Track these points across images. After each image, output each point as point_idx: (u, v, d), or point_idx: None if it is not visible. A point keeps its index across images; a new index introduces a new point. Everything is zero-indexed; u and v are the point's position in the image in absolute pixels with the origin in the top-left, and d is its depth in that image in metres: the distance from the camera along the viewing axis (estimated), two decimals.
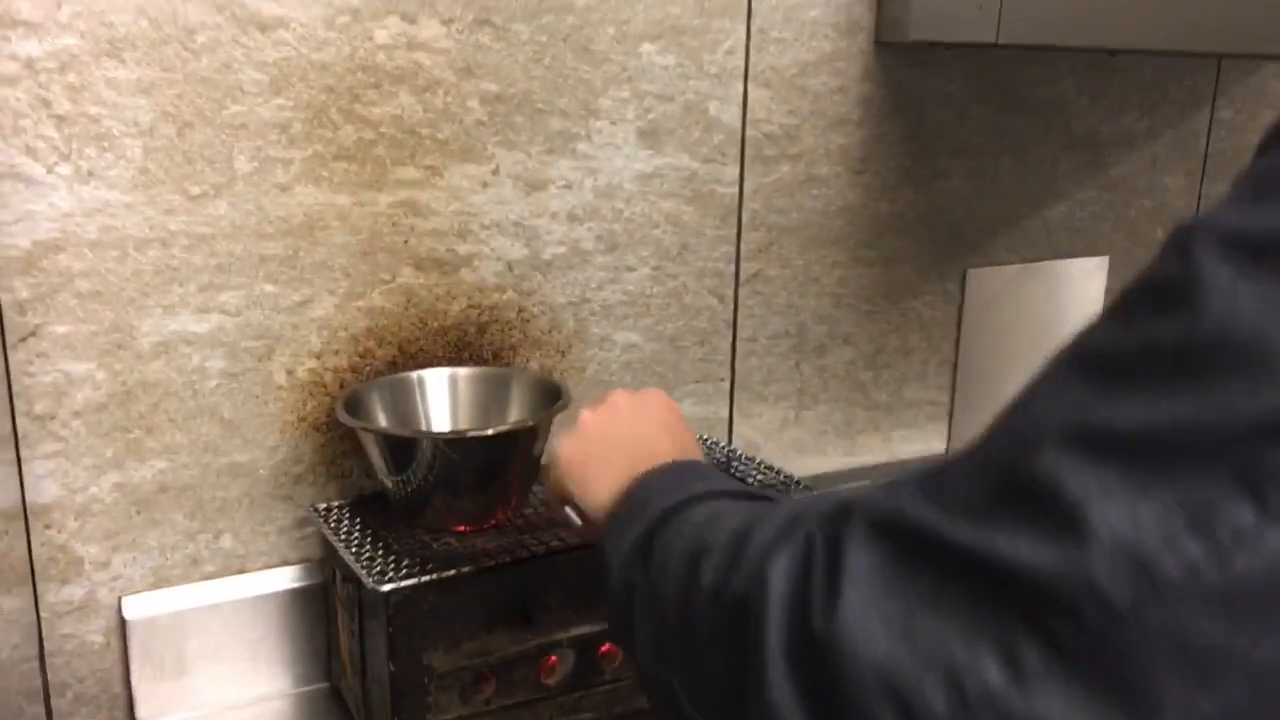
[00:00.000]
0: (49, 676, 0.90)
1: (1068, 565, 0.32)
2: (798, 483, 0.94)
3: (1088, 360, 0.35)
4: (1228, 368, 0.31)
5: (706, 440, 1.06)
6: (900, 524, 0.37)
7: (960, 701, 0.33)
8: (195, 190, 0.85)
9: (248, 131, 0.85)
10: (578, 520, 0.70)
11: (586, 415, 0.72)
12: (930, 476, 0.39)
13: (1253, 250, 0.32)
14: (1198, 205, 1.33)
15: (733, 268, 1.07)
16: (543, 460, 0.76)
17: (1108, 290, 1.30)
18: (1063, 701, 0.32)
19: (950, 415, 1.25)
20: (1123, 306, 0.36)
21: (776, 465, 1.15)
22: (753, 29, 1.01)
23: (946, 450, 1.25)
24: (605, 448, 0.68)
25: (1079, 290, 1.28)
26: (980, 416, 1.26)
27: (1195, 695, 0.30)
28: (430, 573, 0.78)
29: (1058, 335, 1.30)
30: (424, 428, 0.91)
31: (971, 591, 0.34)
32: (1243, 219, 0.33)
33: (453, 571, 0.79)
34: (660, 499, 0.57)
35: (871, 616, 0.36)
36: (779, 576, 0.40)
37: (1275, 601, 0.30)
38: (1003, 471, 0.35)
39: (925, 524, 0.36)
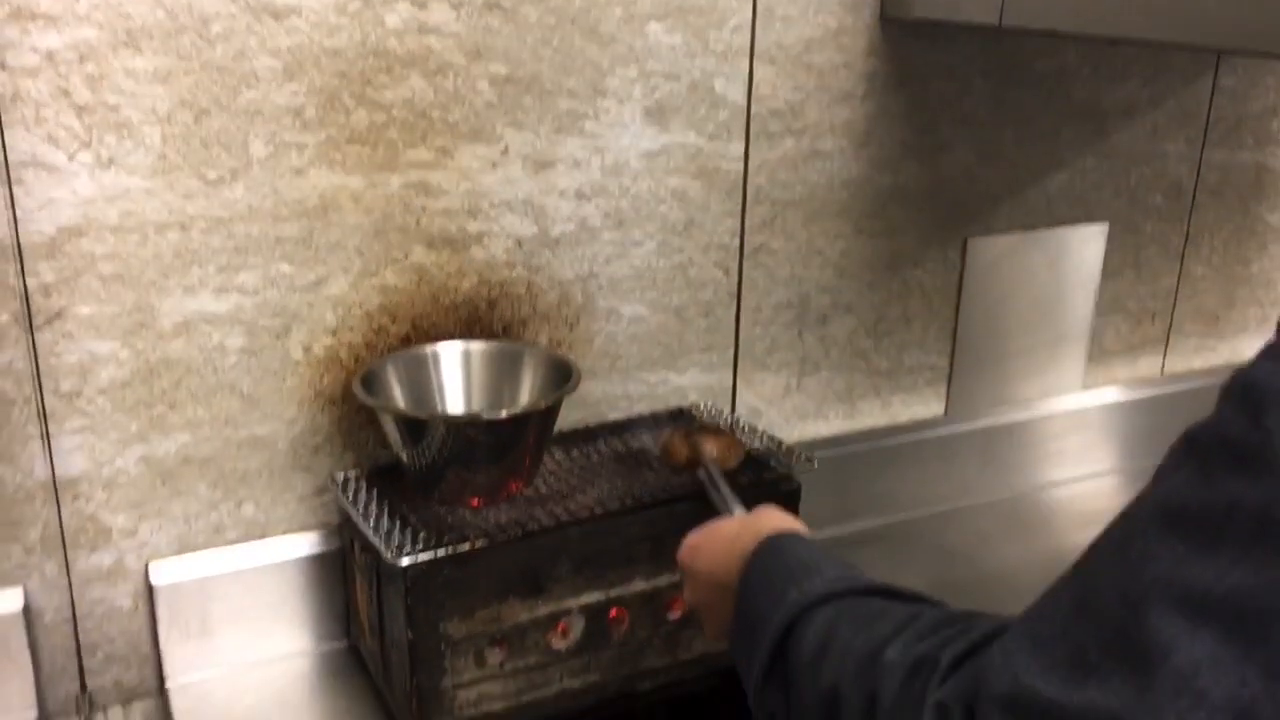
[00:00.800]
0: (80, 638, 0.94)
1: None
2: (799, 454, 0.97)
3: (1177, 515, 0.38)
4: None
5: (711, 407, 1.09)
6: (1023, 698, 0.39)
7: None
8: (212, 175, 0.87)
9: (263, 117, 0.87)
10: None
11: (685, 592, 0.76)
12: (1040, 628, 0.41)
13: None
14: (1198, 171, 1.34)
15: (737, 241, 1.09)
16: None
17: (1107, 255, 1.31)
18: None
19: (949, 380, 1.28)
20: (1200, 458, 0.38)
21: (778, 431, 1.18)
22: (759, 6, 1.02)
23: (945, 414, 1.28)
24: (699, 598, 0.73)
25: (1078, 257, 1.30)
26: (979, 381, 1.29)
27: None
28: (446, 546, 0.82)
29: (1056, 301, 1.31)
30: (438, 402, 0.95)
31: None
32: None
33: (468, 546, 0.82)
34: (764, 621, 0.59)
35: None
36: None
37: None
38: (1113, 631, 0.38)
39: (1047, 697, 0.39)
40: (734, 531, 0.71)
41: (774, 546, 0.65)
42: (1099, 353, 1.37)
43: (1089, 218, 1.29)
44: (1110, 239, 1.31)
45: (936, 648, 0.46)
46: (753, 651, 0.59)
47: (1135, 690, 0.36)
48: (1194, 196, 1.35)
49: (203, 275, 0.89)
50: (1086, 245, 1.30)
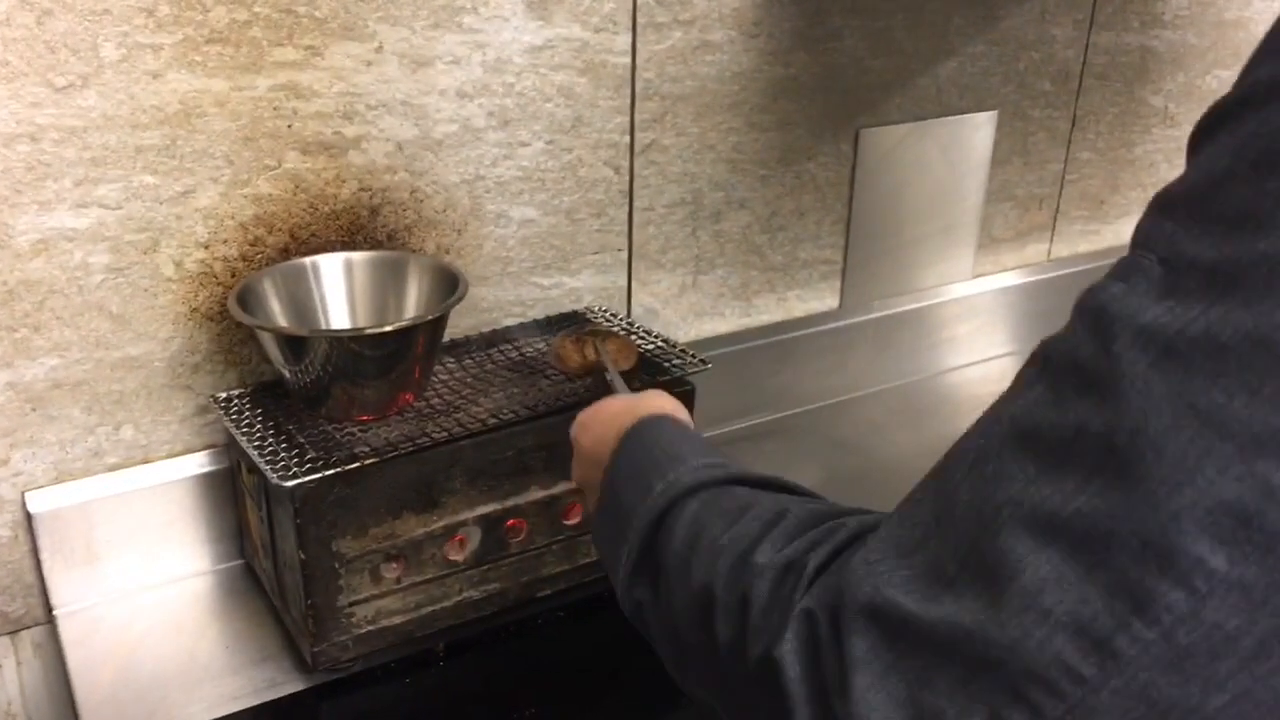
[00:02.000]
0: None
1: (1038, 646, 0.36)
2: (693, 356, 0.97)
3: (1028, 435, 0.39)
4: (1146, 463, 0.35)
5: (605, 311, 1.07)
6: (885, 609, 0.41)
7: None
8: (61, 81, 0.81)
9: (112, 17, 0.81)
10: None
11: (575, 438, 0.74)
12: (903, 536, 0.42)
13: (1163, 348, 0.35)
14: (1085, 54, 1.35)
15: (627, 139, 1.07)
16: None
17: (996, 143, 1.32)
18: None
19: (843, 273, 1.28)
20: (1052, 378, 0.39)
21: (675, 330, 1.18)
22: None
23: (839, 306, 1.29)
24: (581, 467, 0.72)
25: (968, 146, 1.30)
26: (872, 273, 1.30)
27: None
28: (334, 466, 0.80)
29: (948, 190, 1.32)
30: (321, 316, 0.91)
31: (959, 669, 0.38)
32: (1154, 316, 0.36)
33: (357, 464, 0.80)
34: (630, 512, 0.59)
35: (880, 697, 0.40)
36: (790, 660, 0.44)
37: (1215, 662, 0.34)
38: (968, 547, 0.39)
39: (907, 609, 0.40)
40: (618, 410, 0.70)
41: (641, 433, 0.64)
42: (988, 241, 1.39)
43: (979, 106, 1.29)
44: (999, 126, 1.31)
45: (803, 551, 0.47)
46: (619, 543, 0.59)
47: (986, 605, 0.37)
48: (1081, 81, 1.36)
49: (59, 189, 0.84)
50: (977, 133, 1.30)
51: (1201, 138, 0.39)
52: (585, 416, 0.74)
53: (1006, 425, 0.40)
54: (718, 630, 0.50)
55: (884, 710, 0.40)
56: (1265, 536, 0.33)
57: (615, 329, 1.02)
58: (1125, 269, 0.38)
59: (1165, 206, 0.39)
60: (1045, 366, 0.40)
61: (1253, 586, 0.33)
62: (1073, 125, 1.39)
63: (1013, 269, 1.43)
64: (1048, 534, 0.37)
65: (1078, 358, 0.38)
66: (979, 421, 0.42)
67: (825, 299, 1.28)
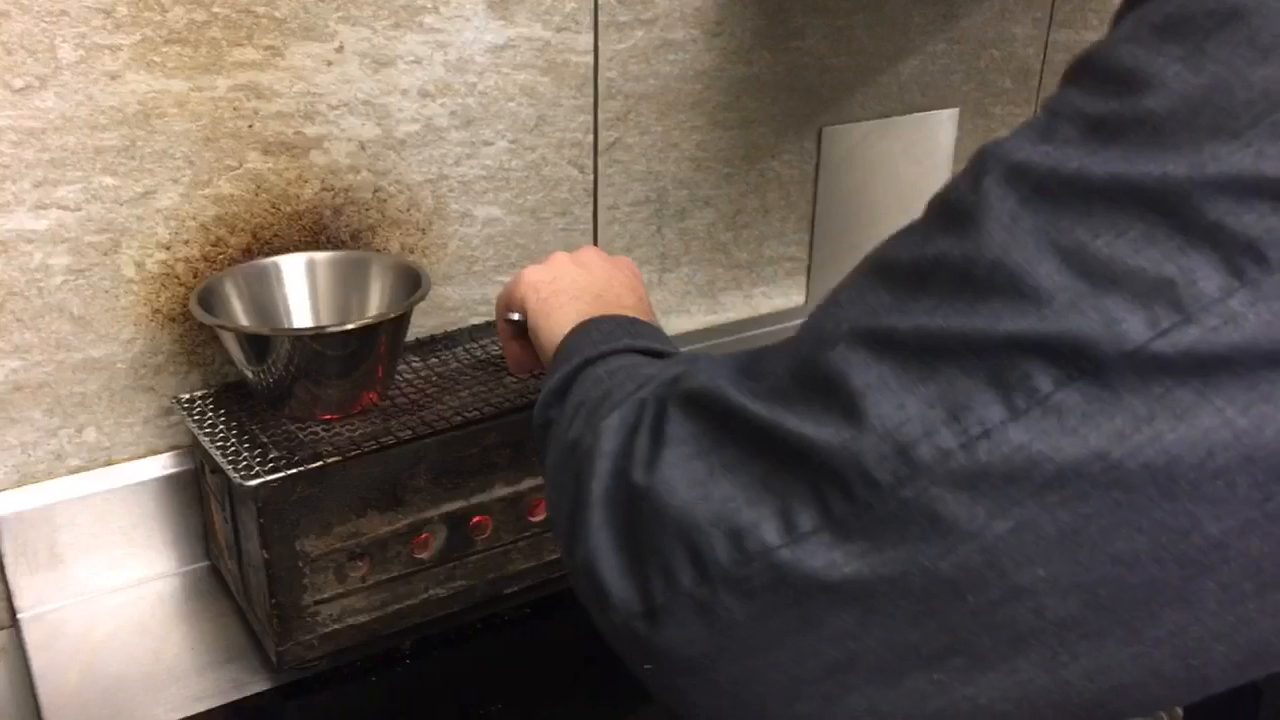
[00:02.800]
0: None
1: (842, 445, 0.37)
2: None
3: (887, 267, 0.40)
4: (998, 290, 0.35)
5: None
6: (715, 398, 0.42)
7: (740, 553, 0.39)
8: (18, 83, 0.81)
9: (69, 18, 0.81)
10: (514, 342, 0.78)
11: (561, 255, 0.76)
12: (749, 359, 0.45)
13: (1034, 185, 0.36)
14: (1044, 52, 1.36)
15: (591, 137, 1.07)
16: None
17: (958, 141, 1.33)
18: (824, 557, 0.37)
19: (809, 270, 1.29)
20: (924, 218, 0.40)
21: None
22: None
23: (806, 303, 1.30)
24: (576, 285, 0.72)
25: (931, 143, 1.32)
26: (838, 269, 1.31)
27: (936, 560, 0.36)
28: (297, 465, 0.80)
29: (911, 187, 1.34)
30: (284, 316, 0.91)
31: (764, 462, 0.39)
32: (1029, 155, 0.36)
33: (320, 463, 0.81)
34: (590, 348, 0.61)
35: (680, 475, 0.41)
36: (610, 434, 0.46)
37: (1008, 485, 0.35)
38: (803, 361, 0.40)
39: (734, 401, 0.41)
40: (640, 296, 0.74)
41: (642, 323, 0.66)
42: None
43: (941, 103, 1.30)
44: (961, 123, 1.33)
45: (668, 369, 0.50)
46: (560, 367, 0.61)
47: (806, 410, 0.38)
48: (1041, 78, 1.38)
49: (17, 191, 0.83)
50: (939, 130, 1.31)
51: (1118, 18, 0.39)
52: (614, 259, 0.77)
53: (870, 261, 0.41)
54: (571, 430, 0.52)
55: (676, 486, 0.41)
56: (1094, 366, 0.33)
57: None
58: (1019, 127, 0.39)
59: (1069, 73, 0.39)
60: (926, 209, 0.40)
61: (1069, 412, 0.33)
62: None
63: None
64: (882, 348, 0.37)
65: (949, 197, 0.39)
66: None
67: (791, 296, 1.29)
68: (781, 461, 0.39)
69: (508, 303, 0.77)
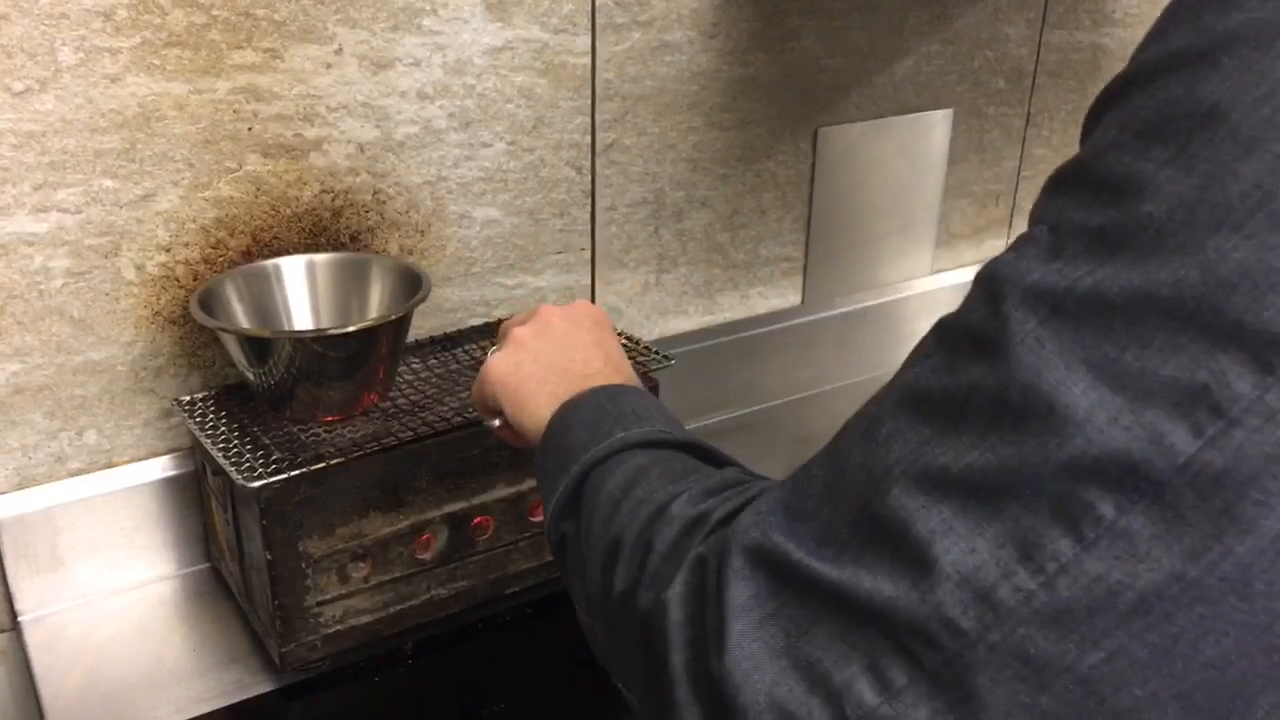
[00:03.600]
0: None
1: (921, 598, 0.36)
2: (656, 352, 0.98)
3: (920, 399, 0.39)
4: (1037, 416, 0.35)
5: None
6: (776, 557, 0.41)
7: (843, 718, 0.38)
8: (18, 86, 0.81)
9: (69, 21, 0.81)
10: (506, 431, 0.72)
11: (519, 332, 0.72)
12: (795, 491, 0.43)
13: (1051, 306, 0.36)
14: (1037, 53, 1.37)
15: (589, 139, 1.08)
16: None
17: (952, 141, 1.34)
18: (927, 711, 0.37)
19: (805, 270, 1.30)
20: (946, 345, 0.40)
21: (639, 328, 1.19)
22: None
23: (802, 303, 1.31)
24: (539, 365, 0.69)
25: (925, 143, 1.32)
26: (833, 269, 1.31)
27: (1036, 696, 0.36)
28: (299, 466, 0.80)
29: (906, 187, 1.34)
30: (284, 318, 0.92)
31: (841, 621, 0.39)
32: (1042, 276, 0.37)
33: (322, 464, 0.81)
34: (581, 449, 0.58)
35: (756, 646, 0.40)
36: (675, 605, 0.44)
37: (1094, 617, 0.35)
38: (859, 509, 0.40)
39: (798, 561, 0.40)
40: (611, 354, 0.70)
41: (615, 389, 0.64)
42: (947, 236, 1.41)
43: (935, 104, 1.31)
44: (955, 124, 1.34)
45: (715, 505, 0.47)
46: (559, 476, 0.59)
47: (873, 562, 0.38)
48: (1034, 79, 1.39)
49: (18, 194, 0.84)
50: (933, 131, 1.32)
51: (1092, 121, 0.40)
52: (571, 314, 0.73)
53: (900, 392, 0.41)
54: (617, 575, 0.50)
55: (758, 659, 0.40)
56: (1152, 485, 0.34)
57: None
58: (1019, 242, 0.39)
59: (1057, 184, 0.39)
60: (940, 336, 0.41)
61: (1137, 536, 0.34)
62: (1027, 122, 1.41)
63: (971, 264, 1.45)
64: (939, 490, 0.37)
65: (970, 323, 0.39)
66: (877, 392, 0.43)
67: (787, 296, 1.30)
68: (858, 619, 0.38)
69: (483, 404, 0.74)
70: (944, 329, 0.41)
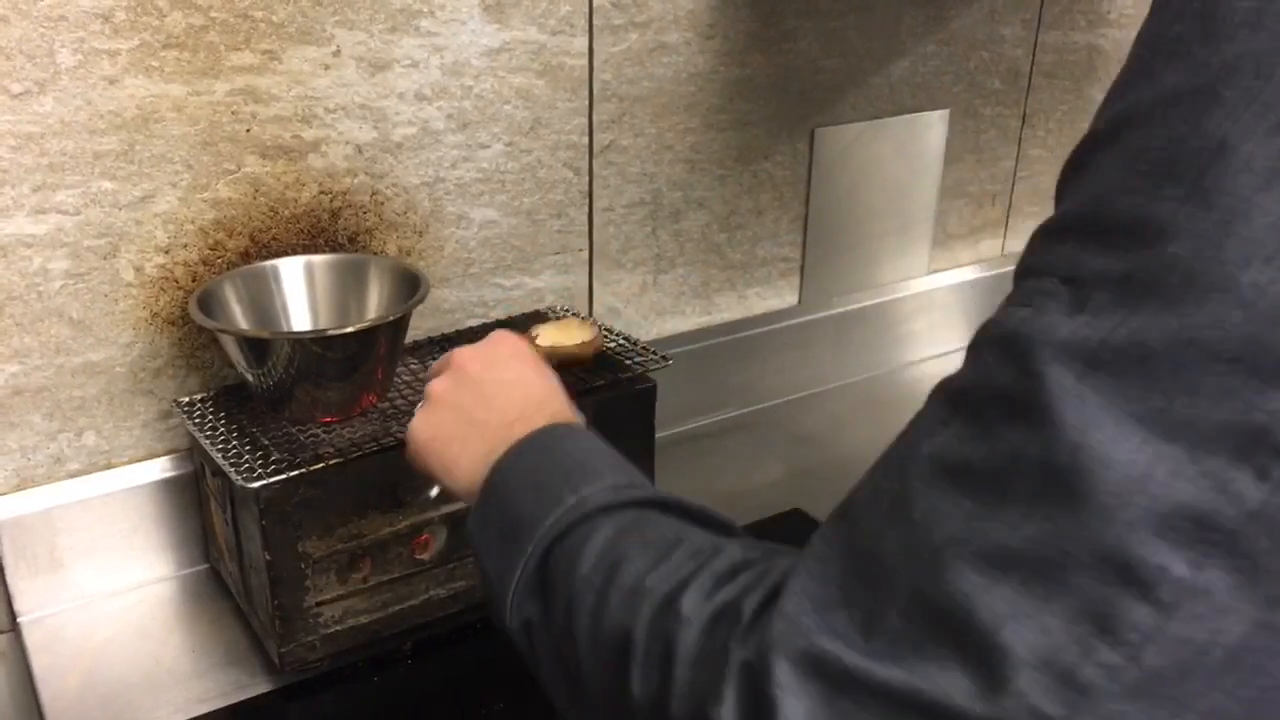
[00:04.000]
0: None
1: (997, 697, 0.34)
2: (654, 353, 0.98)
3: (958, 473, 0.37)
4: (1088, 475, 0.33)
5: (568, 311, 1.08)
6: (823, 664, 0.38)
7: None
8: (17, 88, 0.81)
9: (68, 23, 0.81)
10: (445, 494, 0.68)
11: (435, 387, 0.68)
12: (822, 597, 0.39)
13: (1087, 360, 0.34)
14: (1033, 54, 1.38)
15: (586, 139, 1.08)
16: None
17: (948, 141, 1.34)
18: None
19: (802, 270, 1.30)
20: (971, 412, 0.38)
21: (637, 328, 1.19)
22: None
23: (799, 303, 1.31)
24: (460, 423, 0.64)
25: (921, 144, 1.33)
26: (830, 270, 1.32)
27: None
28: (298, 467, 0.80)
29: (903, 188, 1.34)
30: (281, 320, 0.92)
31: None
32: (1073, 330, 0.35)
33: (321, 464, 0.81)
34: (531, 522, 0.53)
35: None
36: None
37: (1185, 680, 0.33)
38: (908, 595, 0.37)
39: (848, 663, 0.37)
40: (534, 391, 0.64)
41: (549, 438, 0.58)
42: (943, 236, 1.41)
43: (931, 104, 1.31)
44: (951, 124, 1.34)
45: (738, 595, 0.43)
46: (512, 553, 0.53)
47: (939, 655, 0.35)
48: (1030, 79, 1.39)
49: (16, 196, 0.84)
50: (929, 131, 1.32)
51: (1073, 173, 0.38)
52: (486, 355, 0.67)
53: (927, 465, 0.38)
54: (633, 681, 0.45)
55: None
56: (1224, 536, 0.32)
57: (579, 316, 1.03)
58: (1026, 295, 0.37)
59: (1054, 234, 0.38)
60: (957, 402, 0.38)
61: (1217, 591, 0.33)
62: (1023, 123, 1.41)
63: (967, 264, 1.45)
64: (998, 568, 0.35)
65: (996, 386, 0.37)
66: (877, 469, 0.41)
67: (784, 296, 1.30)
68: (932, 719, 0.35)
69: (423, 475, 0.68)
70: (961, 395, 0.38)
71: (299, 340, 0.84)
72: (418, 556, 0.89)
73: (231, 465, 0.81)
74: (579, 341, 0.94)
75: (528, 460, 0.57)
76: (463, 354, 0.69)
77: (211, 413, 0.90)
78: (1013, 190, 1.45)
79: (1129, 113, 0.37)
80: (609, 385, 0.94)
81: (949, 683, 0.35)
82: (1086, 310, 0.35)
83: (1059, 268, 0.37)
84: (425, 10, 0.94)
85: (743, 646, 0.40)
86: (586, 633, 0.49)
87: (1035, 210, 1.49)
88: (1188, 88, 0.35)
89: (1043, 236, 0.39)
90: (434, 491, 0.69)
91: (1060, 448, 0.34)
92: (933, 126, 1.32)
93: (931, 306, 1.42)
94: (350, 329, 0.83)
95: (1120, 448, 0.33)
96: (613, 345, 1.00)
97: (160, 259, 0.90)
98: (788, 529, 1.07)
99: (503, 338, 0.71)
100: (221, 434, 0.86)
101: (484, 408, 0.64)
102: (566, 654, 0.50)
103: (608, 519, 0.51)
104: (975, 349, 0.39)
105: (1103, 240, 0.36)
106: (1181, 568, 0.33)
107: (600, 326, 1.00)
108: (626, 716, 0.46)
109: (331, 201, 0.96)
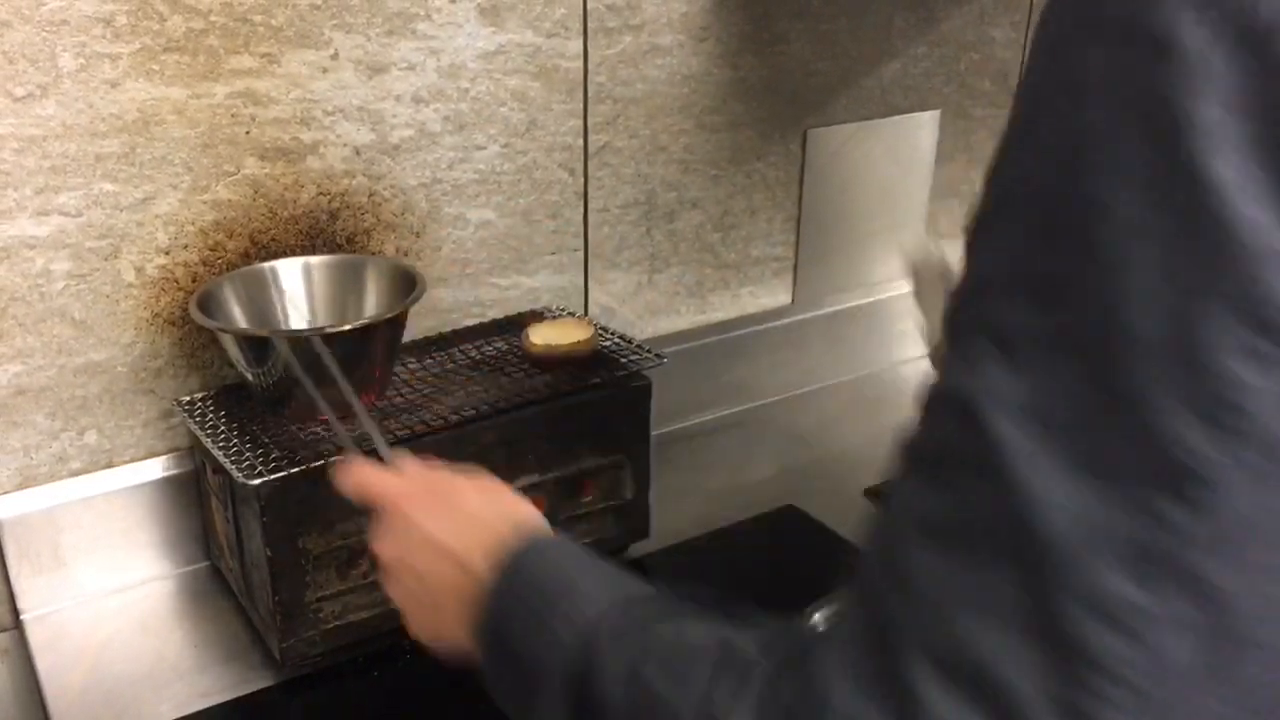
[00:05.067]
0: None
1: None
2: (649, 351, 0.99)
3: (936, 533, 0.39)
4: (1044, 524, 0.36)
5: (564, 311, 1.10)
6: None
7: None
8: (20, 91, 0.82)
9: (69, 27, 0.82)
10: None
11: (383, 554, 0.66)
12: (851, 665, 0.40)
13: (1043, 420, 0.37)
14: (1023, 55, 1.39)
15: (581, 141, 1.09)
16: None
17: (939, 142, 1.36)
18: None
19: (795, 270, 1.31)
20: (931, 471, 0.40)
21: (632, 328, 1.20)
22: None
23: (792, 302, 1.32)
24: (423, 587, 0.63)
25: (913, 144, 1.34)
26: (824, 269, 1.33)
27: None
28: (299, 464, 0.82)
29: (894, 188, 1.35)
30: (280, 320, 0.93)
31: None
32: (1015, 389, 0.37)
33: (321, 462, 0.82)
34: (546, 673, 0.52)
35: None
36: None
37: (1178, 696, 0.36)
38: (924, 650, 0.39)
39: None
40: (479, 505, 0.63)
41: (509, 574, 0.57)
42: (935, 236, 1.43)
43: (922, 105, 1.32)
44: (942, 125, 1.35)
45: (765, 684, 0.43)
46: (534, 699, 0.53)
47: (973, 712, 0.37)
48: (1020, 80, 1.40)
49: (19, 198, 0.85)
50: (920, 132, 1.34)
51: (980, 230, 0.41)
52: (411, 500, 0.65)
53: (916, 532, 0.40)
54: None
55: None
56: (1168, 568, 0.35)
57: (575, 315, 1.04)
58: (963, 355, 0.39)
59: (976, 294, 0.40)
60: (918, 464, 0.41)
61: (1179, 613, 0.35)
62: None
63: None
64: (993, 614, 0.37)
65: (955, 449, 0.39)
66: (882, 533, 0.42)
67: (778, 295, 1.32)
68: None
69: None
70: (916, 453, 0.41)
71: (295, 338, 0.86)
72: None
73: (232, 463, 0.82)
74: (574, 340, 0.96)
75: (503, 605, 0.56)
76: (388, 504, 0.66)
77: (212, 412, 0.91)
78: None
79: (1016, 172, 0.40)
80: (604, 384, 0.95)
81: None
82: (1019, 367, 0.37)
83: (988, 328, 0.39)
84: (422, 14, 0.96)
85: None
86: None
87: None
88: (1061, 148, 0.37)
89: (964, 298, 0.41)
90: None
91: (1011, 499, 0.37)
92: (924, 127, 1.34)
93: None
94: (347, 327, 0.84)
95: (1063, 490, 0.36)
96: (608, 344, 1.01)
97: (161, 260, 0.92)
98: (781, 525, 1.08)
99: (413, 470, 0.68)
100: (222, 432, 0.87)
101: (451, 532, 0.62)
102: None
103: (615, 643, 0.50)
104: (928, 408, 0.41)
105: (1014, 299, 0.38)
106: (1140, 595, 0.35)
107: (596, 326, 1.01)
108: None
109: (330, 203, 0.97)
